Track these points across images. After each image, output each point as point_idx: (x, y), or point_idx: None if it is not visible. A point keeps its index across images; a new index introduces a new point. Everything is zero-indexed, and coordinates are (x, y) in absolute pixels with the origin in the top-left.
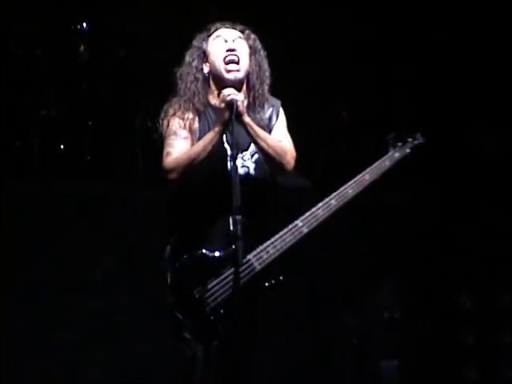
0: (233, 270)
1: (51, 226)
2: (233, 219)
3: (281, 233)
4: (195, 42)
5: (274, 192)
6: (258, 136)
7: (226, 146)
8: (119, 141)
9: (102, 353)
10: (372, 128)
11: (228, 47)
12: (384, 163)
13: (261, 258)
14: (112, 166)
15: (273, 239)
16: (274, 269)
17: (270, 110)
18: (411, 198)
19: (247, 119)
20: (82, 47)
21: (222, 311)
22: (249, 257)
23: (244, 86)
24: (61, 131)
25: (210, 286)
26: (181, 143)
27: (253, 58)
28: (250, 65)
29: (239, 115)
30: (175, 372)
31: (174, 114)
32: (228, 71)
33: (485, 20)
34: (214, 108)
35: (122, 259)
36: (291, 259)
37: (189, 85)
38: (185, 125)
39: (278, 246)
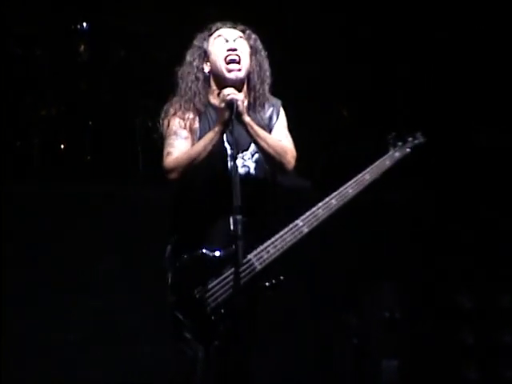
0: (233, 269)
1: (51, 226)
2: (233, 219)
3: (281, 232)
4: (196, 42)
5: (275, 192)
6: (259, 136)
7: (227, 145)
8: (119, 141)
9: (102, 353)
10: (372, 128)
11: (229, 47)
12: (384, 163)
13: (261, 257)
14: (112, 166)
15: (273, 239)
16: (275, 268)
17: (271, 109)
18: (411, 197)
19: (247, 119)
20: (82, 47)
21: (222, 311)
22: (249, 256)
23: (245, 86)
24: (61, 131)
25: (210, 286)
26: (181, 143)
27: (253, 57)
28: (250, 65)
29: (239, 115)
30: (175, 372)
31: (175, 114)
32: (229, 71)
33: (485, 20)
34: (215, 108)
35: (121, 259)
36: (291, 259)
37: (189, 84)
38: (185, 125)
39: (279, 246)
